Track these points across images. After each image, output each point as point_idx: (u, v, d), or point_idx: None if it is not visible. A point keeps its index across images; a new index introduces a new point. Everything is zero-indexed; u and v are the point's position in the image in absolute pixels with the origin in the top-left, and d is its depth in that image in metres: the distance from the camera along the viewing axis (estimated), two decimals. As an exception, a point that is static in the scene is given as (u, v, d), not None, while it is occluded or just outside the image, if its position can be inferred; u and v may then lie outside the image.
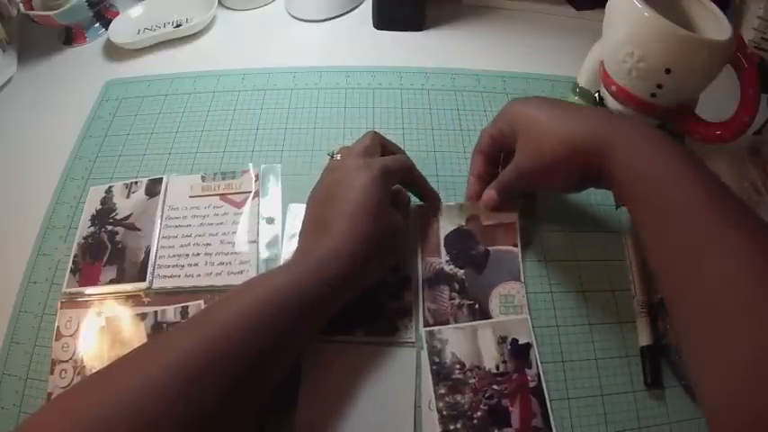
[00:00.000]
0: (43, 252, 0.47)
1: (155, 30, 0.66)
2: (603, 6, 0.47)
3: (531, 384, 0.40)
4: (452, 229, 0.46)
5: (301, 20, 0.68)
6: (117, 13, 0.68)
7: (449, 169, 0.51)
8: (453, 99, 0.58)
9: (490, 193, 0.43)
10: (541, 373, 0.40)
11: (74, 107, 0.59)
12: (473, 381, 0.40)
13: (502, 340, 0.41)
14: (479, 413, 0.39)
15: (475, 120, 0.56)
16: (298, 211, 0.47)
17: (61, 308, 0.43)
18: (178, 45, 0.65)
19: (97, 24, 0.67)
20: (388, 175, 0.40)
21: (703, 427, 0.39)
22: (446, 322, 0.42)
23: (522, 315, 0.42)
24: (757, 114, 0.44)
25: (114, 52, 0.65)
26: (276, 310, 0.33)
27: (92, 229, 0.48)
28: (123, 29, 0.66)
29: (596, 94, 0.53)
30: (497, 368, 0.40)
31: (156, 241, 0.46)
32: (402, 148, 0.52)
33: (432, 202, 0.47)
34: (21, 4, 0.62)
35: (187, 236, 0.47)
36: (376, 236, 0.37)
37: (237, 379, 0.31)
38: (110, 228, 0.48)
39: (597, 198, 0.50)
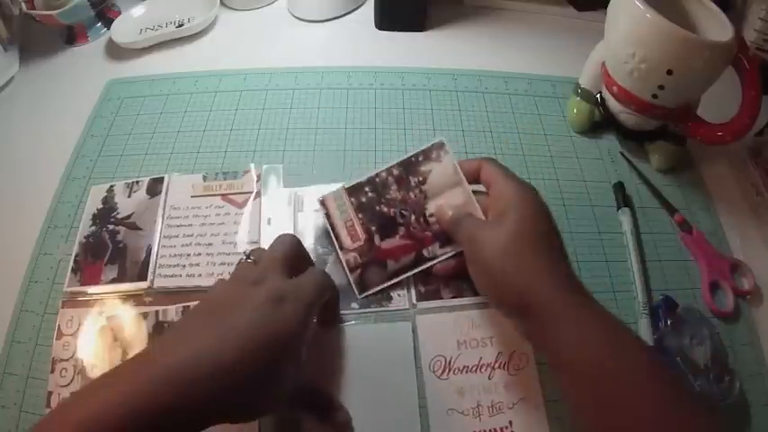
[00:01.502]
0: (44, 251, 0.47)
1: (156, 29, 0.66)
2: (605, 7, 0.47)
3: (425, 253, 0.42)
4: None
5: (303, 20, 0.68)
6: (119, 13, 0.68)
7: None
8: (455, 99, 0.58)
9: (446, 215, 0.41)
10: (437, 260, 0.42)
11: (75, 106, 0.59)
12: (413, 195, 0.43)
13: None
14: (384, 209, 0.43)
15: (476, 120, 0.56)
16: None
17: (62, 307, 0.43)
18: (180, 45, 0.65)
19: (99, 24, 0.67)
20: (317, 301, 0.35)
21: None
22: (436, 292, 0.43)
23: None
24: (759, 116, 0.44)
25: (116, 52, 0.65)
26: None
27: (93, 228, 0.48)
28: (125, 28, 0.66)
29: (598, 95, 0.53)
30: (430, 216, 0.43)
31: (157, 241, 0.46)
32: (404, 149, 0.53)
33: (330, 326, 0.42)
34: (23, 4, 0.62)
35: (188, 235, 0.47)
36: (264, 379, 0.30)
37: None
38: (111, 227, 0.48)
39: (597, 198, 0.50)
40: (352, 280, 0.43)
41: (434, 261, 0.42)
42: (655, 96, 0.46)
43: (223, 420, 0.30)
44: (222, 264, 0.45)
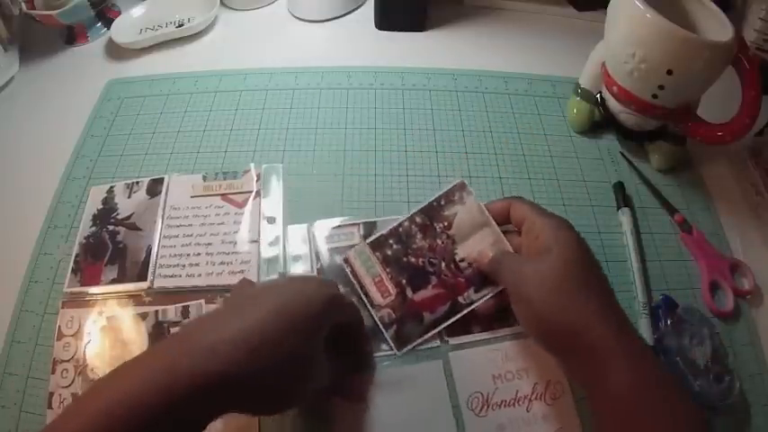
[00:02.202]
0: (45, 251, 0.47)
1: (156, 29, 0.66)
2: (605, 7, 0.47)
3: (461, 299, 0.41)
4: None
5: (303, 20, 0.68)
6: (119, 13, 0.68)
7: (450, 170, 0.51)
8: (455, 99, 0.58)
9: (486, 258, 0.40)
10: (475, 305, 0.41)
11: (75, 106, 0.59)
12: (440, 241, 0.42)
13: (484, 255, 0.41)
14: (413, 260, 0.42)
15: (476, 120, 0.56)
16: (298, 232, 0.47)
17: (62, 307, 0.43)
18: (180, 45, 0.65)
19: (99, 24, 0.67)
20: (336, 306, 0.34)
21: (704, 429, 0.39)
22: (467, 325, 0.42)
23: None
24: (759, 116, 0.44)
25: (116, 52, 0.65)
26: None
27: (93, 228, 0.48)
28: (125, 28, 0.66)
29: (598, 95, 0.53)
30: (460, 261, 0.42)
31: (157, 241, 0.46)
32: (404, 149, 0.53)
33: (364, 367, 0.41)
34: (23, 4, 0.62)
35: (188, 235, 0.47)
36: (289, 359, 0.30)
37: None
38: (111, 227, 0.48)
39: (597, 198, 0.50)
40: (388, 337, 0.41)
41: (471, 306, 0.41)
42: (655, 96, 0.46)
43: (251, 407, 0.30)
44: (222, 263, 0.45)
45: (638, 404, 0.30)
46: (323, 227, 0.47)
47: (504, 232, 0.41)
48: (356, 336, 0.39)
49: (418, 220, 0.43)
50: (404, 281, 0.42)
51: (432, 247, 0.42)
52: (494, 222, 0.41)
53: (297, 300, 0.31)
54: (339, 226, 0.47)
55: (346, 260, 0.43)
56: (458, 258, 0.42)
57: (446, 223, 0.42)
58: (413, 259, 0.42)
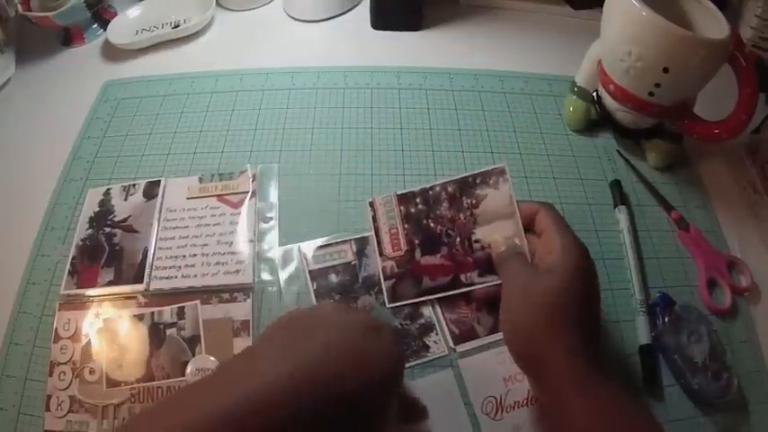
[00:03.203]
0: (42, 253, 0.47)
1: (153, 30, 0.66)
2: (601, 6, 0.47)
3: (463, 278, 0.42)
4: None
5: (299, 20, 0.68)
6: (115, 14, 0.68)
7: (447, 168, 0.51)
8: (451, 99, 0.58)
9: (498, 249, 0.40)
10: (474, 288, 0.41)
11: (72, 108, 0.59)
12: (463, 216, 0.42)
13: (493, 235, 0.41)
14: (432, 224, 0.43)
15: (473, 119, 0.56)
16: (310, 249, 0.46)
17: (59, 309, 0.43)
18: (176, 46, 0.65)
19: (95, 25, 0.67)
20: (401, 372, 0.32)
21: (701, 427, 0.39)
22: (471, 330, 0.42)
23: None
24: (755, 113, 0.44)
25: (112, 53, 0.65)
26: None
27: (90, 231, 0.48)
28: (121, 29, 0.66)
29: (594, 93, 0.53)
30: (475, 241, 0.42)
31: (153, 243, 0.46)
32: (400, 148, 0.53)
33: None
34: (19, 5, 0.62)
35: (184, 237, 0.47)
36: (346, 413, 0.27)
37: None
38: (108, 230, 0.48)
39: (594, 196, 0.50)
40: (384, 288, 0.42)
41: (470, 288, 0.41)
42: (651, 94, 0.46)
43: None
44: (217, 264, 0.45)
45: None
46: (310, 247, 0.46)
47: (528, 232, 0.41)
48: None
49: (450, 189, 0.43)
50: (417, 241, 0.43)
51: (453, 219, 0.43)
52: (518, 217, 0.41)
53: (371, 354, 0.29)
54: (329, 245, 0.46)
55: (371, 204, 0.44)
56: (474, 238, 0.42)
57: (474, 201, 0.42)
58: (432, 224, 0.43)
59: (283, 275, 0.45)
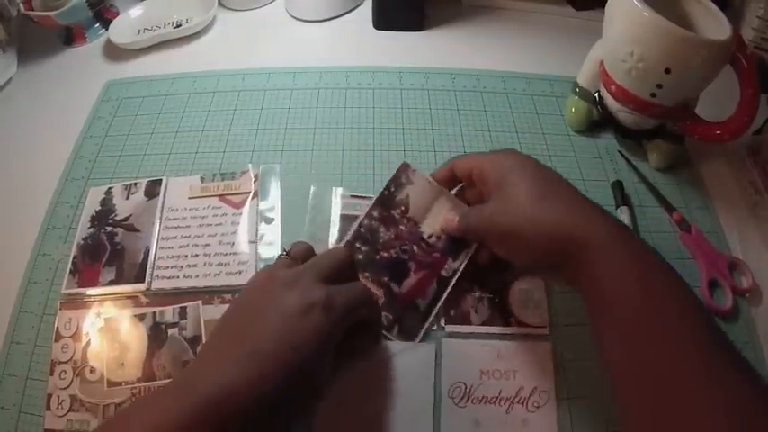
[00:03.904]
0: (43, 252, 0.47)
1: (155, 30, 0.66)
2: (603, 6, 0.47)
3: (444, 273, 0.42)
4: None
5: (301, 20, 0.68)
6: (117, 14, 0.68)
7: (448, 169, 0.51)
8: (453, 99, 0.58)
9: (452, 222, 0.41)
10: (459, 272, 0.42)
11: (74, 107, 0.59)
12: (403, 227, 0.43)
13: (450, 221, 0.42)
14: (385, 254, 0.42)
15: (475, 120, 0.56)
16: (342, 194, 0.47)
17: (60, 309, 0.43)
18: (178, 45, 0.65)
19: (97, 24, 0.67)
20: (349, 320, 0.33)
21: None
22: (466, 315, 0.42)
23: (540, 309, 0.42)
24: (757, 114, 0.44)
25: (114, 52, 0.65)
26: None
27: (91, 230, 0.48)
28: (123, 29, 0.66)
29: (596, 94, 0.53)
30: (429, 237, 0.42)
31: (155, 242, 0.46)
32: (402, 148, 0.53)
33: (372, 343, 0.40)
34: (21, 5, 0.62)
35: (186, 237, 0.47)
36: (294, 394, 0.30)
37: None
38: (109, 229, 0.48)
39: (596, 197, 0.50)
40: (395, 337, 0.41)
41: (457, 275, 0.42)
42: (653, 95, 0.46)
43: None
44: (219, 264, 0.45)
45: (645, 296, 0.31)
46: (343, 193, 0.48)
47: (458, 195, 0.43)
48: (370, 323, 0.38)
49: (375, 214, 0.43)
50: (385, 278, 0.42)
51: (398, 236, 0.43)
52: (446, 190, 0.42)
53: (293, 348, 0.30)
54: (361, 196, 0.48)
55: None
56: (425, 236, 0.43)
57: (402, 208, 0.43)
58: (385, 254, 0.43)
59: (308, 217, 0.47)
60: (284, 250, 0.36)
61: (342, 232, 0.45)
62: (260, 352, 0.29)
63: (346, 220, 0.46)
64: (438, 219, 0.43)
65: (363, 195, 0.48)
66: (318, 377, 0.32)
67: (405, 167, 0.44)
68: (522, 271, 0.43)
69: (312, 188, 0.49)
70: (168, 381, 0.39)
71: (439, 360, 0.40)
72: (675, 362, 0.28)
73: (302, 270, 0.34)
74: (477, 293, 0.43)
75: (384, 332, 0.41)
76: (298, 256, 0.36)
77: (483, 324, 0.42)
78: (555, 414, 0.39)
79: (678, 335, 0.29)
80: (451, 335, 0.42)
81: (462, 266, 0.42)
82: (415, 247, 0.42)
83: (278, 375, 0.29)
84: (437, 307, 0.42)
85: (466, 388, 0.39)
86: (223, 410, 0.27)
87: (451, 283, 0.42)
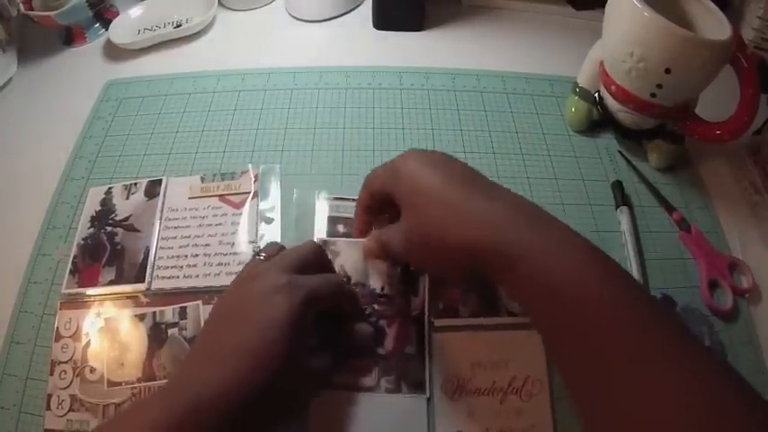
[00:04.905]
0: (43, 252, 0.47)
1: (155, 30, 0.66)
2: (603, 6, 0.47)
3: (414, 312, 0.41)
4: None
5: (301, 20, 0.68)
6: (117, 14, 0.68)
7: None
8: (453, 99, 0.58)
9: (369, 244, 0.39)
10: (426, 302, 0.41)
11: (74, 107, 0.59)
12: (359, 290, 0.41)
13: (392, 265, 0.42)
14: (351, 343, 0.39)
15: (475, 120, 0.56)
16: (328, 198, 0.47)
17: (60, 309, 0.43)
18: (178, 45, 0.65)
19: (97, 24, 0.67)
20: (315, 302, 0.33)
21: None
22: (454, 309, 0.42)
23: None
24: (757, 114, 0.44)
25: (114, 52, 0.65)
26: None
27: (91, 230, 0.48)
28: (123, 29, 0.66)
29: (596, 94, 0.53)
30: (382, 289, 0.41)
31: (155, 243, 0.46)
32: (402, 148, 0.53)
33: (360, 340, 0.39)
34: (21, 5, 0.62)
35: (186, 237, 0.47)
36: (279, 384, 0.30)
37: None
38: (109, 229, 0.48)
39: (596, 197, 0.50)
40: (408, 393, 0.39)
41: (426, 310, 0.41)
42: (653, 95, 0.46)
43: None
44: (219, 264, 0.45)
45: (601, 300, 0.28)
46: (328, 196, 0.48)
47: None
48: (348, 313, 0.38)
49: None
50: (373, 362, 0.40)
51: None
52: (351, 238, 0.42)
53: (263, 336, 0.30)
54: (346, 198, 0.47)
55: None
56: (378, 291, 0.41)
57: (345, 278, 0.42)
58: (352, 338, 0.40)
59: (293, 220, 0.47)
60: (258, 251, 0.37)
61: (329, 235, 0.45)
62: (240, 347, 0.30)
63: (332, 222, 0.46)
64: (375, 267, 0.42)
65: (347, 197, 0.47)
66: (301, 361, 0.32)
67: (323, 246, 0.40)
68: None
69: (295, 192, 0.49)
70: (167, 381, 0.39)
71: (430, 355, 0.40)
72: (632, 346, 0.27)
73: (269, 264, 0.34)
74: (464, 286, 0.43)
75: (398, 394, 0.39)
76: (271, 256, 0.36)
77: (472, 316, 0.42)
78: (549, 402, 0.39)
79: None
80: (441, 329, 0.41)
81: (426, 298, 0.41)
82: (375, 306, 0.41)
83: (260, 368, 0.29)
84: (426, 345, 0.40)
85: (458, 381, 0.39)
86: (212, 410, 0.28)
87: (427, 320, 0.41)
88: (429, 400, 0.39)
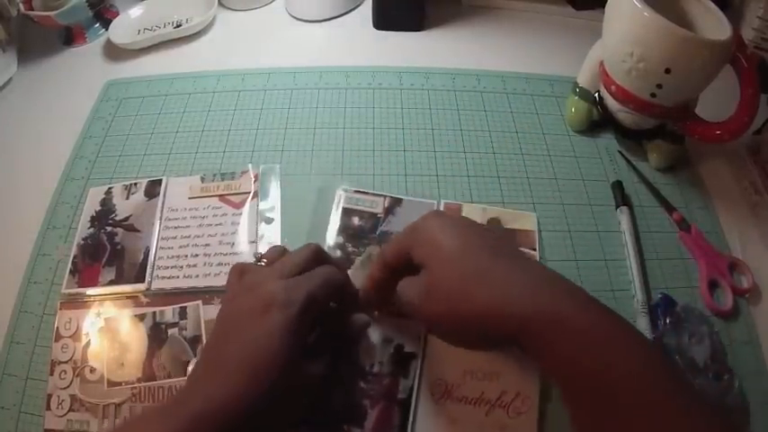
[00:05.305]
0: (43, 252, 0.47)
1: (155, 30, 0.66)
2: (603, 6, 0.47)
3: (400, 396, 0.38)
4: None
5: (301, 20, 0.68)
6: (117, 14, 0.68)
7: (448, 169, 0.51)
8: (453, 99, 0.58)
9: (372, 272, 0.37)
10: (416, 387, 0.39)
11: (74, 107, 0.59)
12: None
13: (387, 342, 0.40)
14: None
15: (475, 120, 0.56)
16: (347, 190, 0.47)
17: (60, 309, 0.43)
18: (178, 45, 0.65)
19: (97, 24, 0.67)
20: (314, 306, 0.32)
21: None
22: None
23: None
24: (757, 114, 0.44)
25: (114, 52, 0.65)
26: None
27: (91, 230, 0.48)
28: (123, 29, 0.66)
29: (596, 94, 0.53)
30: (371, 367, 0.39)
31: (155, 242, 0.46)
32: (402, 148, 0.53)
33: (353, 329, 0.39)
34: (21, 5, 0.62)
35: (186, 237, 0.47)
36: (278, 393, 0.30)
37: None
38: (109, 229, 0.48)
39: (595, 197, 0.50)
40: None
41: (415, 392, 0.38)
42: (653, 95, 0.46)
43: None
44: (219, 264, 0.45)
45: (587, 374, 0.27)
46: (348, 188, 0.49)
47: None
48: (346, 306, 0.38)
49: None
50: (344, 427, 0.38)
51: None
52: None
53: (264, 348, 0.30)
54: (366, 192, 0.48)
55: None
56: (367, 368, 0.39)
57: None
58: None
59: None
60: (259, 257, 0.37)
61: (343, 227, 0.46)
62: (242, 360, 0.30)
63: (346, 213, 0.47)
64: (371, 349, 0.40)
65: (367, 191, 0.48)
66: (299, 364, 0.32)
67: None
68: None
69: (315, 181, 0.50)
70: (167, 381, 0.40)
71: (424, 352, 0.39)
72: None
73: (267, 271, 0.34)
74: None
75: None
76: (272, 260, 0.36)
77: None
78: (536, 423, 0.37)
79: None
80: None
81: (417, 381, 0.39)
82: (362, 383, 0.39)
83: (261, 380, 0.30)
84: (412, 420, 0.38)
85: (447, 386, 0.39)
86: (213, 423, 0.28)
87: (413, 402, 0.38)
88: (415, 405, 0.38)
